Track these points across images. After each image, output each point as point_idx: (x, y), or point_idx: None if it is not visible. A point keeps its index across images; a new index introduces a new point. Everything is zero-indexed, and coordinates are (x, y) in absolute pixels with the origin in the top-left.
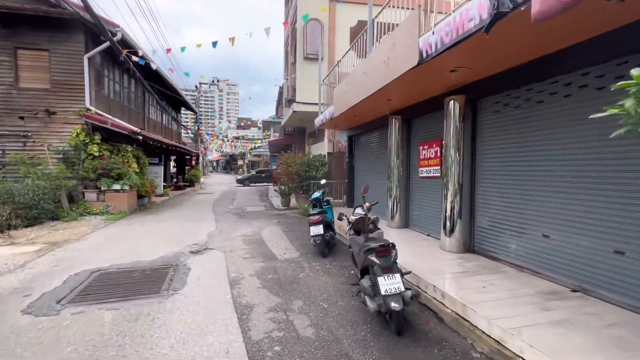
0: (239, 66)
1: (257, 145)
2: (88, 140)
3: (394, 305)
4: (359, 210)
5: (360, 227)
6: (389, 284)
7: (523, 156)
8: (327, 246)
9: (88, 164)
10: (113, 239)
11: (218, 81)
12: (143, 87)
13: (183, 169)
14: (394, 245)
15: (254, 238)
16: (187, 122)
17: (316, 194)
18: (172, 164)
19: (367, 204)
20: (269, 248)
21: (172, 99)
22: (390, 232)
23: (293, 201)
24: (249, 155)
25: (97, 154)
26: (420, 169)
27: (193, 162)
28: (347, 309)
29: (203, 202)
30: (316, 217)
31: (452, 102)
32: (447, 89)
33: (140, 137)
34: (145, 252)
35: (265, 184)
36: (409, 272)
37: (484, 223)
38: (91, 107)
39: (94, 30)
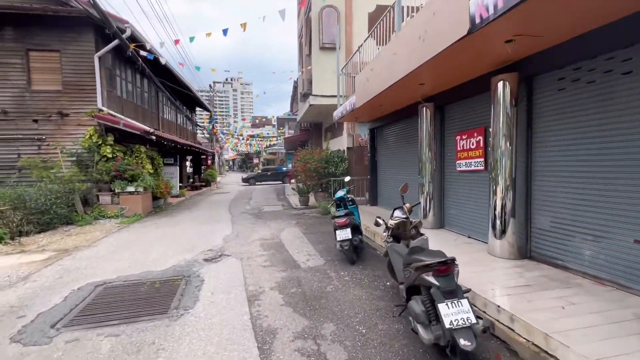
0: (252, 64)
1: (272, 143)
2: (101, 142)
3: (464, 343)
4: (398, 213)
5: (400, 233)
6: (454, 313)
7: (602, 142)
8: (355, 252)
9: (101, 166)
10: (125, 245)
11: (232, 79)
12: (156, 86)
13: (199, 169)
14: (454, 261)
15: (273, 242)
16: (202, 122)
17: (340, 193)
18: (187, 164)
19: (407, 205)
20: (290, 254)
21: (186, 98)
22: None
23: (312, 200)
24: (264, 153)
25: (110, 155)
26: (458, 161)
27: (209, 162)
28: (391, 335)
29: (219, 203)
30: (343, 220)
31: (501, 82)
32: (495, 66)
33: (154, 137)
34: (157, 260)
35: (271, 182)
36: (469, 290)
37: (545, 224)
38: (103, 108)
39: (103, 27)
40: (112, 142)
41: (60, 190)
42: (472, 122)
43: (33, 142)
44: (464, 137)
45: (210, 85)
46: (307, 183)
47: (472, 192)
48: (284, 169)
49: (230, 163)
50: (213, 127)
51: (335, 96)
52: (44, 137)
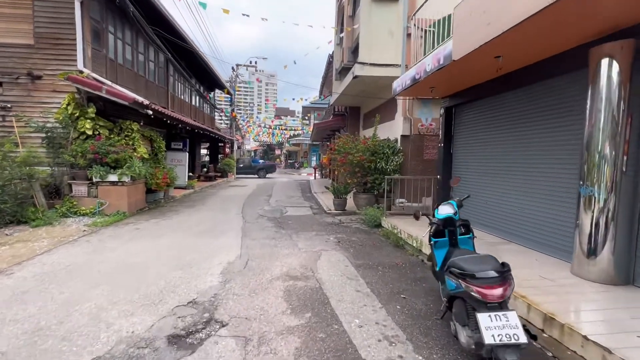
0: (277, 56)
1: (296, 133)
2: (78, 114)
3: None
4: (446, 208)
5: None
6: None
7: None
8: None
9: (76, 145)
10: (48, 278)
11: (256, 62)
12: (164, 55)
13: (216, 158)
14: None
15: (306, 287)
16: (223, 107)
17: (446, 210)
18: (203, 151)
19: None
20: (344, 327)
21: (204, 77)
22: (585, 291)
23: (349, 202)
24: (287, 144)
25: (90, 132)
26: None
27: (227, 150)
28: None
29: (232, 199)
30: (497, 291)
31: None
32: None
33: (150, 112)
34: (66, 337)
35: (245, 175)
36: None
37: None
38: (84, 70)
39: None
40: (93, 115)
41: (8, 177)
42: None
43: None
44: None
45: (233, 68)
46: (348, 181)
47: None
48: (261, 161)
49: (252, 154)
50: (232, 111)
51: (390, 65)
52: (9, 106)
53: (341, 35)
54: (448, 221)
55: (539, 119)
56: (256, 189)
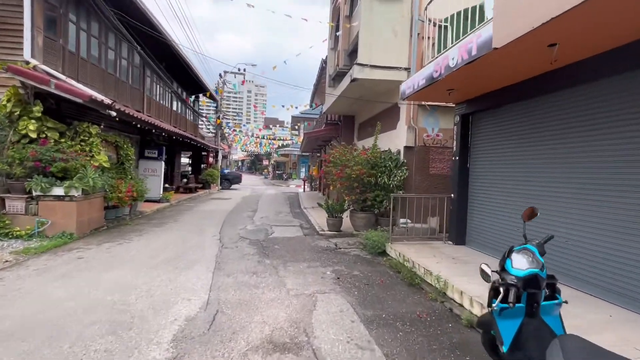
0: (267, 67)
1: (284, 143)
2: (19, 112)
3: None
4: (525, 259)
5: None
6: None
7: None
8: None
9: (14, 151)
10: None
11: (244, 70)
12: (140, 54)
13: (199, 168)
14: None
15: None
16: (209, 115)
17: (523, 261)
18: (185, 160)
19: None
20: None
21: (187, 82)
22: None
23: (346, 221)
24: (275, 155)
25: (34, 135)
26: None
27: (210, 160)
28: None
29: (211, 216)
30: None
31: None
32: None
33: (113, 113)
34: None
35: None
36: None
37: None
38: (32, 60)
39: None
40: (39, 115)
41: None
42: None
43: None
44: None
45: (220, 75)
46: (344, 197)
47: None
48: (227, 171)
49: (240, 164)
50: (218, 119)
51: (393, 68)
52: None
53: (338, 33)
54: (529, 280)
55: (610, 125)
56: (240, 203)
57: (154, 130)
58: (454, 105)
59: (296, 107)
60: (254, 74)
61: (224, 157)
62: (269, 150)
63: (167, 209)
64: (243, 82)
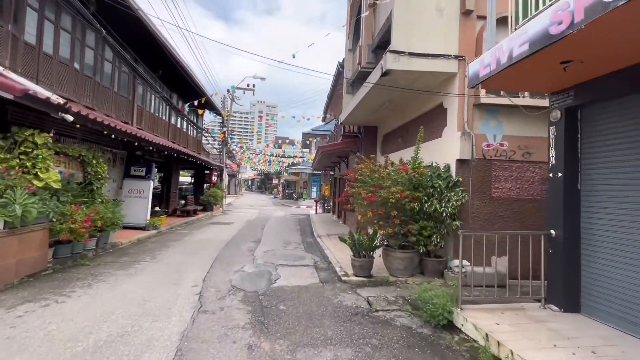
0: (277, 90)
1: (295, 160)
2: None
3: None
4: None
5: None
6: None
7: None
8: None
9: None
10: None
11: (254, 86)
12: (128, 63)
13: (202, 187)
14: None
15: None
16: (213, 129)
17: None
18: (186, 179)
19: None
20: None
21: (188, 94)
22: None
23: (378, 261)
24: (285, 173)
25: None
26: None
27: (213, 179)
28: None
29: (202, 248)
30: None
31: None
32: None
33: (69, 117)
34: None
35: None
36: None
37: None
38: None
39: None
40: None
41: None
42: None
43: None
44: None
45: (228, 90)
46: (377, 228)
47: None
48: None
49: (250, 183)
50: (223, 134)
51: (439, 56)
52: None
53: (365, 13)
54: None
55: None
56: (243, 229)
57: (142, 144)
58: (547, 95)
59: (308, 119)
60: (262, 102)
61: (232, 176)
62: (278, 168)
63: (151, 238)
64: (251, 91)
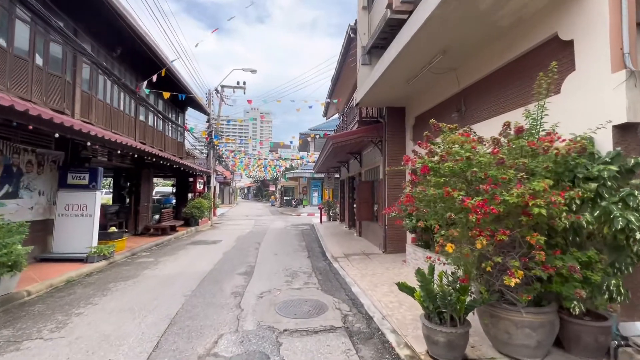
0: (274, 96)
1: (294, 162)
2: None
3: None
4: None
5: None
6: None
7: None
8: None
9: None
10: None
11: (244, 83)
12: (58, 30)
13: (184, 197)
14: None
15: None
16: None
17: None
18: (167, 189)
19: None
20: None
21: (164, 87)
22: None
23: (479, 331)
24: (282, 179)
25: None
26: None
27: (197, 187)
28: None
29: (160, 295)
30: None
31: None
32: None
33: None
34: None
35: None
36: None
37: None
38: None
39: None
40: None
41: None
42: None
43: None
44: None
45: (217, 90)
46: (484, 266)
47: None
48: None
49: (246, 191)
50: (208, 136)
51: None
52: None
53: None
54: None
55: None
56: (230, 252)
57: (85, 142)
58: None
59: (310, 106)
60: (256, 109)
61: (226, 184)
62: (274, 174)
63: (89, 277)
64: (250, 101)
